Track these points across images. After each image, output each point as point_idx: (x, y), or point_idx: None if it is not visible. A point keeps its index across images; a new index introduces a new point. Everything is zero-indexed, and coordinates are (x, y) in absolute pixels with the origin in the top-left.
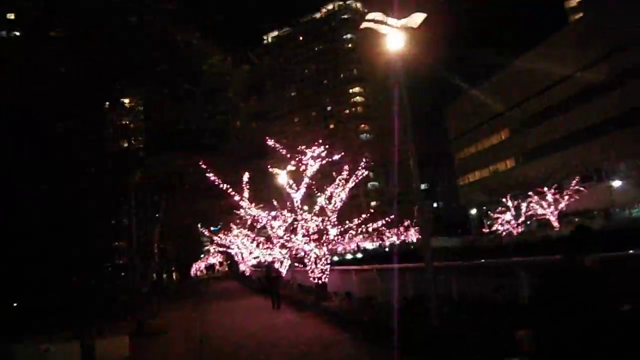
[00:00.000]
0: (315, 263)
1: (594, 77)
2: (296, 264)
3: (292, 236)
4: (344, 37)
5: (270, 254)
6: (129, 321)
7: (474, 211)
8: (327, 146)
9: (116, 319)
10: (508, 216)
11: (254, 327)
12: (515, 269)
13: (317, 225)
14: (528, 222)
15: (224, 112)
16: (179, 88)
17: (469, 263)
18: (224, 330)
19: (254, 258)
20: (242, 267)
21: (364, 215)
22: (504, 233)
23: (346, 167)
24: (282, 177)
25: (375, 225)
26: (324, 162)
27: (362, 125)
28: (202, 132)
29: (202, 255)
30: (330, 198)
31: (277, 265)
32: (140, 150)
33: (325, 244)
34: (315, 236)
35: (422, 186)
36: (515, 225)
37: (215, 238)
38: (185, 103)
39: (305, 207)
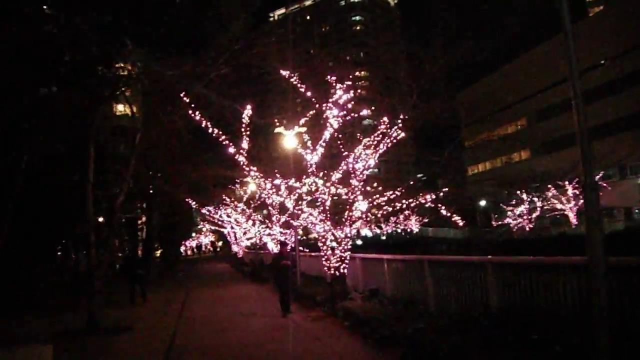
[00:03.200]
0: (332, 248)
1: (621, 69)
2: (300, 248)
3: (305, 210)
4: (353, 19)
5: (269, 234)
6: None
7: (483, 202)
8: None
9: (67, 310)
10: (521, 210)
11: (248, 333)
12: None
13: (346, 194)
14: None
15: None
16: None
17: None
18: (206, 334)
19: (248, 239)
20: (234, 248)
21: (399, 189)
22: (516, 227)
23: (385, 119)
24: (289, 140)
25: (422, 200)
26: (348, 117)
27: (366, 111)
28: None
29: (193, 234)
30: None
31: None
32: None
33: (348, 223)
34: (325, 214)
35: (419, 175)
36: (528, 220)
37: (203, 211)
38: None
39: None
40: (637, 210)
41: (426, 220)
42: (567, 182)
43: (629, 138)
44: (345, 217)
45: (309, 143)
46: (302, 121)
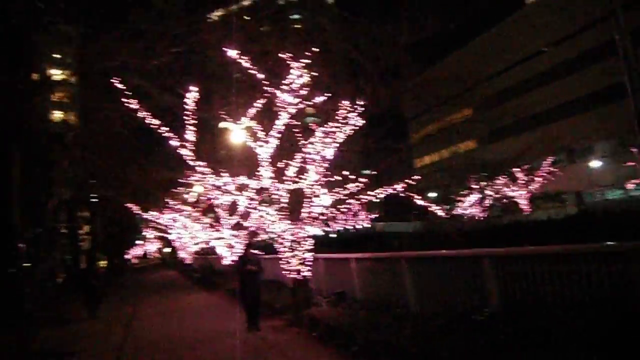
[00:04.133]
0: (292, 249)
1: (565, 53)
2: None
3: (260, 209)
4: (290, 17)
5: (218, 238)
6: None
7: (433, 194)
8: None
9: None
10: (472, 199)
11: (203, 351)
12: None
13: (309, 187)
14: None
15: None
16: None
17: None
18: (158, 356)
19: (195, 244)
20: (182, 255)
21: (359, 181)
22: (467, 217)
23: (345, 102)
24: (236, 135)
25: (388, 192)
26: (301, 106)
27: (308, 109)
28: None
29: (139, 242)
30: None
31: (222, 251)
32: None
33: (308, 220)
34: (283, 211)
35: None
36: (481, 209)
37: (147, 216)
38: None
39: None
40: (596, 193)
41: (375, 216)
42: (517, 169)
43: (575, 122)
44: (306, 213)
45: (260, 134)
46: (252, 111)
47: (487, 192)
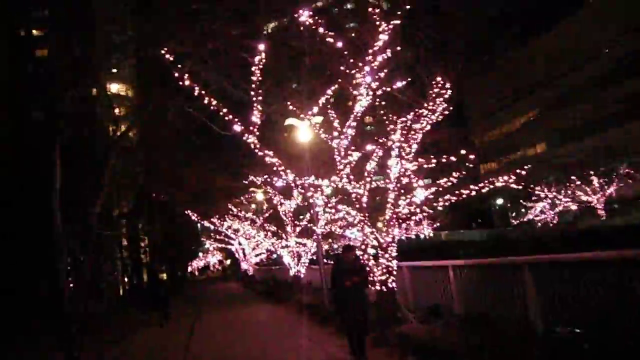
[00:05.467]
0: (375, 257)
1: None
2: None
3: (341, 208)
4: (347, 26)
5: (284, 246)
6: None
7: (499, 201)
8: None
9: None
10: (543, 205)
11: None
12: None
13: (405, 174)
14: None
15: None
16: None
17: None
18: None
19: (257, 255)
20: (244, 266)
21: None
22: (539, 224)
23: (439, 79)
24: (303, 130)
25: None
26: (379, 92)
27: (367, 117)
28: None
29: (200, 254)
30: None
31: (293, 259)
32: None
33: (394, 222)
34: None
35: (427, 181)
36: (552, 215)
37: (207, 224)
38: None
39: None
40: None
41: (438, 225)
42: (591, 172)
43: None
44: (390, 215)
45: (335, 123)
46: (323, 99)
47: (560, 197)
